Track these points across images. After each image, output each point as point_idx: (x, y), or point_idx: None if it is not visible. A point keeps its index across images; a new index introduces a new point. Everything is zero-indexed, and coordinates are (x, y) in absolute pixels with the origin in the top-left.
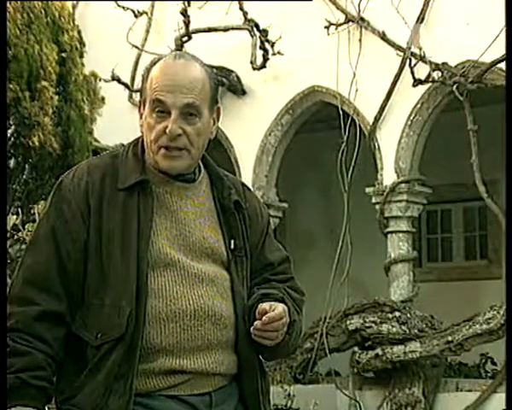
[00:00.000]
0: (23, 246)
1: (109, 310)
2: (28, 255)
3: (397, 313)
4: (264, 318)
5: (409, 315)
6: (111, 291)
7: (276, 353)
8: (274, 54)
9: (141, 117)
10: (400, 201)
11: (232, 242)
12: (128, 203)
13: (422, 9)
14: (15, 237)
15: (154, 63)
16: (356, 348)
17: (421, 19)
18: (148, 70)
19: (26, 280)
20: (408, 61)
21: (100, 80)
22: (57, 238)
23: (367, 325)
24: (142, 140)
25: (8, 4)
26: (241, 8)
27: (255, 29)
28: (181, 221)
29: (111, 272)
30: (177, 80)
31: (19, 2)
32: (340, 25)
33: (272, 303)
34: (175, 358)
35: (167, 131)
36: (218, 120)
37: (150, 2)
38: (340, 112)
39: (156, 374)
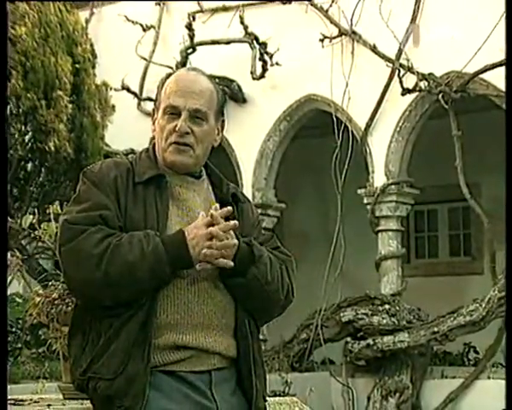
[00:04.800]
0: (39, 244)
1: None
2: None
3: (387, 306)
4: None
5: (398, 308)
6: None
7: (261, 299)
8: (272, 65)
9: (153, 123)
10: (390, 201)
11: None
12: (147, 195)
13: (410, 24)
14: (32, 235)
15: (168, 75)
16: (349, 339)
17: (409, 32)
18: (162, 81)
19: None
20: (397, 71)
21: (111, 89)
22: (104, 213)
23: (359, 316)
24: (153, 146)
25: (26, 19)
26: (242, 23)
27: (255, 42)
28: (191, 209)
29: None
30: (189, 88)
31: (36, 17)
32: (334, 38)
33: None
34: (178, 334)
35: (177, 128)
36: (221, 131)
37: (157, 17)
38: (334, 119)
39: (161, 349)
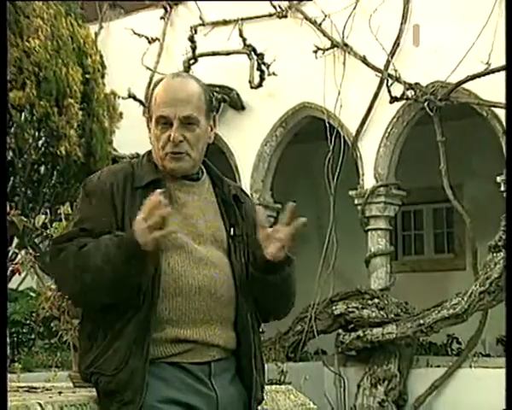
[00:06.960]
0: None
1: None
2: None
3: (376, 300)
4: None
5: (386, 302)
6: None
7: (283, 297)
8: (269, 74)
9: (149, 130)
10: (379, 202)
11: (232, 229)
12: (145, 199)
13: (397, 37)
14: (44, 234)
15: (156, 84)
16: (340, 331)
17: (396, 45)
18: (152, 91)
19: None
20: (385, 81)
21: (118, 98)
22: (88, 225)
23: (350, 310)
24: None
25: (39, 33)
26: (241, 35)
27: (253, 53)
28: (188, 212)
29: None
30: (176, 96)
31: (49, 31)
32: (327, 50)
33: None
34: (180, 328)
35: (171, 138)
36: (214, 127)
37: (162, 30)
38: (327, 125)
39: (163, 342)
